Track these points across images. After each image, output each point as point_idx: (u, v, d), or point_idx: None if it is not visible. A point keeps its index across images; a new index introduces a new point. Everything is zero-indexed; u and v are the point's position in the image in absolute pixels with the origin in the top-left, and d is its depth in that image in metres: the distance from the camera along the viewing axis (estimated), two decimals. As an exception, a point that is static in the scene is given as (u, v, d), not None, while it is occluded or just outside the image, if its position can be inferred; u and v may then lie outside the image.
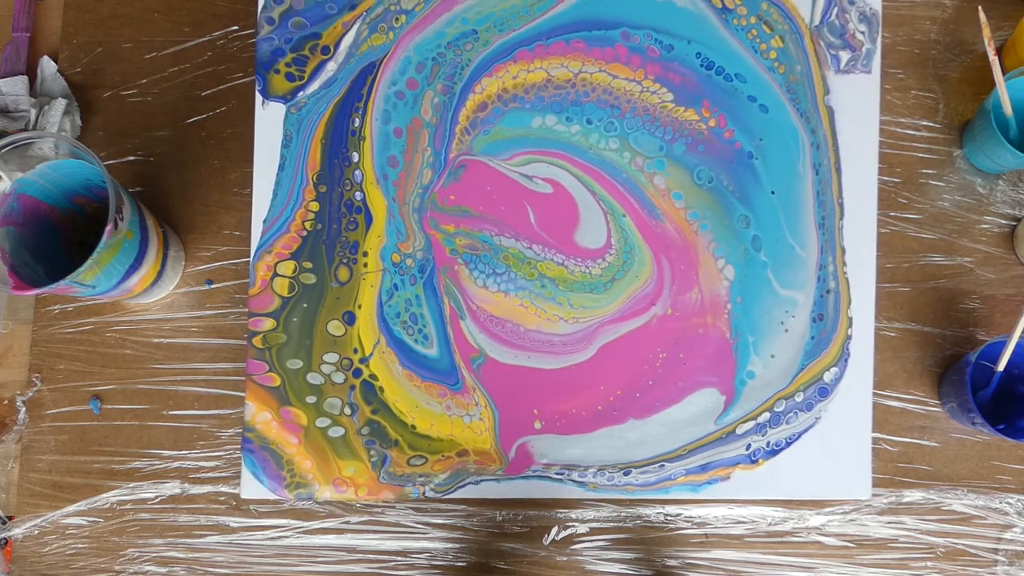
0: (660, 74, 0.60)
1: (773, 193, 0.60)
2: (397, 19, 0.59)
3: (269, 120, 0.59)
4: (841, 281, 0.60)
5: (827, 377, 0.60)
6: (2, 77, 0.69)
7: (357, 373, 0.59)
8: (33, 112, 0.66)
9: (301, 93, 0.59)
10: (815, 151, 0.60)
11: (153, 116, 0.69)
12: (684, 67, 0.60)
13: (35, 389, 0.65)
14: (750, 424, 0.59)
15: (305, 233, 0.59)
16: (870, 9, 0.61)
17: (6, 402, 0.65)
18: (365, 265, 0.59)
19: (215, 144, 0.68)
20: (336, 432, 0.58)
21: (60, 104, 0.66)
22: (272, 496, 0.58)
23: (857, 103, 0.61)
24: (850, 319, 0.60)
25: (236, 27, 0.70)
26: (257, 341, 0.58)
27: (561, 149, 0.60)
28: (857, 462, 0.59)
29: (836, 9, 0.61)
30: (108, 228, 0.52)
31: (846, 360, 0.60)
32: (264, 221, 0.59)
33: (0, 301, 0.67)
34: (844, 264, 0.60)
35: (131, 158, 0.68)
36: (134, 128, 0.69)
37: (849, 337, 0.60)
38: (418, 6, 0.59)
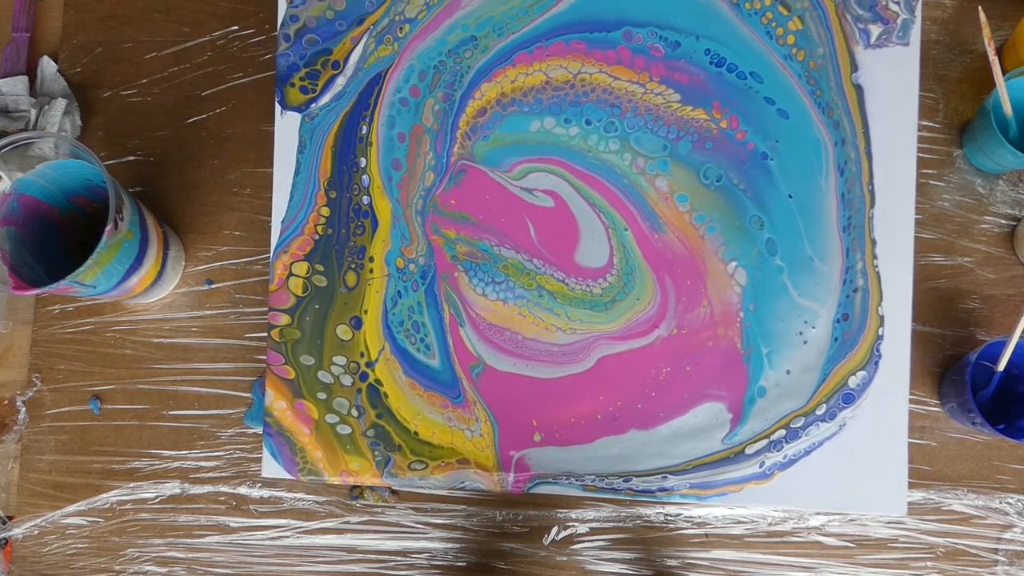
0: (665, 75, 0.58)
1: (791, 197, 0.57)
2: (401, 28, 0.60)
3: (287, 128, 0.61)
4: (871, 277, 0.56)
5: (852, 382, 0.56)
6: (2, 77, 0.69)
7: (364, 377, 0.60)
8: (33, 112, 0.66)
9: (314, 105, 0.61)
10: (840, 149, 0.57)
11: (153, 116, 0.69)
12: (692, 65, 0.58)
13: (35, 389, 0.65)
14: (762, 443, 0.57)
15: (317, 236, 0.60)
16: None
17: (6, 402, 0.65)
18: (371, 271, 0.60)
19: (215, 144, 0.68)
20: (344, 430, 0.60)
21: (60, 104, 0.66)
22: (288, 476, 0.60)
23: (892, 78, 0.57)
24: (881, 317, 0.56)
25: (236, 27, 0.70)
26: (275, 334, 0.60)
27: (560, 155, 0.59)
28: (890, 473, 0.55)
29: None
30: (108, 228, 0.52)
31: (876, 363, 0.56)
32: (282, 222, 0.60)
33: (0, 301, 0.67)
34: (875, 257, 0.56)
35: (131, 158, 0.68)
36: (134, 128, 0.69)
37: (880, 337, 0.56)
38: (421, 13, 0.60)
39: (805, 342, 0.56)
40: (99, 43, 0.70)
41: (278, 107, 0.61)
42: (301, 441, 0.60)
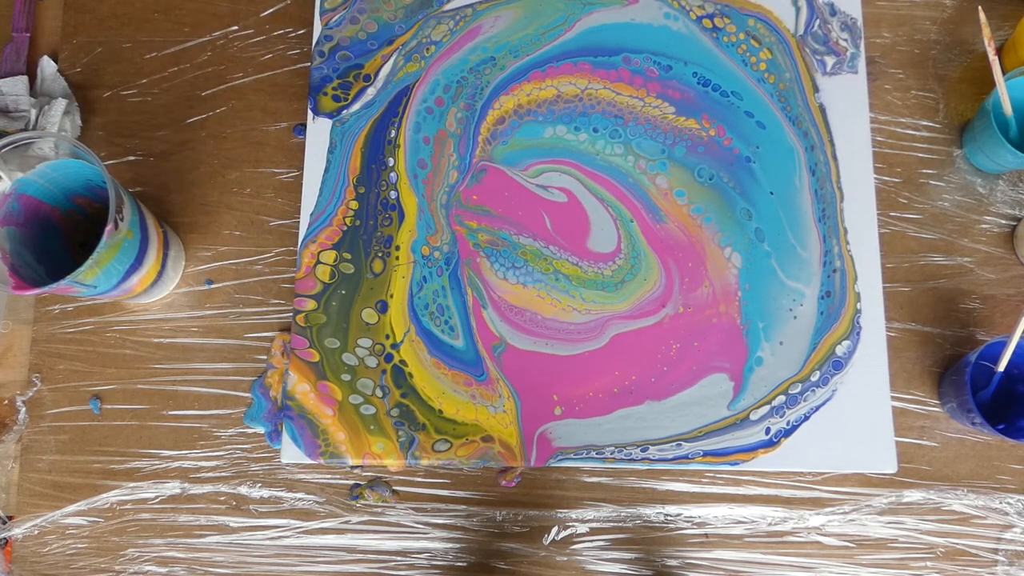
0: (661, 91, 0.66)
1: (772, 194, 0.65)
2: (428, 49, 0.67)
3: (318, 131, 0.66)
4: (846, 259, 0.63)
5: (839, 351, 0.62)
6: (2, 77, 0.69)
7: (388, 358, 0.63)
8: (33, 112, 0.66)
9: (345, 111, 0.66)
10: (810, 153, 0.65)
11: (153, 116, 0.69)
12: (683, 84, 0.66)
13: (35, 389, 0.65)
14: (765, 409, 0.61)
15: (345, 228, 0.64)
16: (851, 19, 0.68)
17: (6, 402, 0.65)
18: (397, 258, 0.64)
19: (215, 144, 0.68)
20: (368, 410, 0.62)
21: (60, 104, 0.66)
22: (308, 461, 0.61)
23: (847, 99, 0.66)
24: (858, 294, 0.63)
25: (236, 27, 0.70)
26: (300, 319, 0.63)
27: (571, 158, 0.66)
28: (879, 435, 0.60)
29: (818, 20, 0.67)
30: (108, 228, 0.52)
31: (858, 333, 0.62)
32: (311, 215, 0.65)
33: (0, 301, 0.67)
34: (848, 244, 0.64)
35: (131, 158, 0.68)
36: (134, 128, 0.69)
37: (859, 311, 0.62)
38: (445, 37, 0.68)
39: (795, 317, 0.63)
40: (99, 43, 0.70)
41: (310, 113, 0.66)
42: (323, 423, 0.61)
